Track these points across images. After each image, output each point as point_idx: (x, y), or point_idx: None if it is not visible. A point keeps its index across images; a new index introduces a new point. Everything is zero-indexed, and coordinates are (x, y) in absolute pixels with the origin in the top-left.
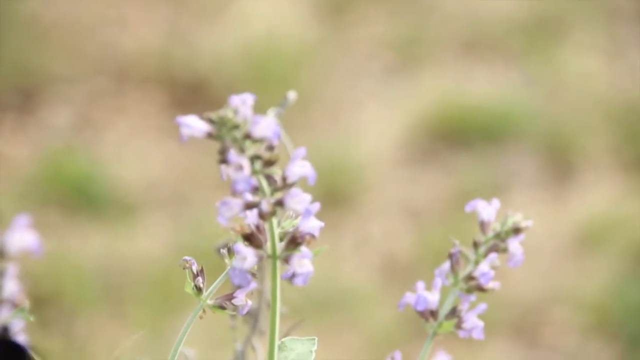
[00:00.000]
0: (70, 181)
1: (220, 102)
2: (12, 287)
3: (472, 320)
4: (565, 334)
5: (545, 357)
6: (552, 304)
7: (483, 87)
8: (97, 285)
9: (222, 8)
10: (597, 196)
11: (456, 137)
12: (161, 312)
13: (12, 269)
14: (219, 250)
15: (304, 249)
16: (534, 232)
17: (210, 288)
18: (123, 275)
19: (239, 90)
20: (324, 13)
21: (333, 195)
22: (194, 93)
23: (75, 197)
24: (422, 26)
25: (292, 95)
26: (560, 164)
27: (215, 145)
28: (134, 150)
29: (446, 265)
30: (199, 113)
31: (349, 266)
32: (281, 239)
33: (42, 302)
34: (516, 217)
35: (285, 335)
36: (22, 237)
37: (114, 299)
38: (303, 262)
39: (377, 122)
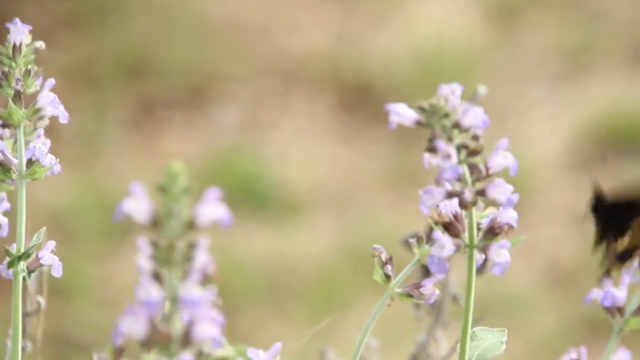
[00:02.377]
0: (237, 179)
1: (381, 105)
2: (203, 258)
3: None
4: None
5: None
6: None
7: None
8: (261, 283)
9: (392, 11)
10: None
11: (624, 144)
12: (324, 312)
13: (203, 241)
14: (406, 240)
15: (502, 242)
16: None
17: (399, 276)
18: (287, 273)
19: (406, 94)
20: (493, 17)
21: None
22: (361, 95)
23: (241, 195)
24: (591, 32)
25: (482, 89)
26: None
27: (381, 148)
28: (300, 151)
29: (635, 262)
30: (365, 116)
31: (513, 270)
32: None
33: None
34: None
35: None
36: (213, 209)
37: (277, 297)
38: (501, 252)
39: (544, 128)
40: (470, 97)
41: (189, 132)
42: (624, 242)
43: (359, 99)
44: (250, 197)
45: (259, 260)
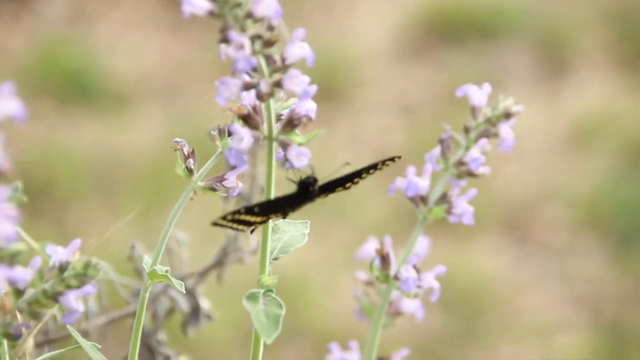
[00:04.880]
0: (64, 72)
1: None
2: None
3: (462, 206)
4: (556, 230)
5: (536, 252)
6: (544, 200)
7: None
8: (90, 176)
9: None
10: (591, 93)
11: (450, 33)
12: (153, 203)
13: None
14: (210, 133)
15: (303, 148)
16: (527, 129)
17: (202, 170)
18: (115, 166)
19: None
20: None
21: (326, 90)
22: None
23: (68, 88)
24: None
25: None
26: (554, 60)
27: (210, 38)
28: (128, 42)
29: (437, 150)
30: None
31: (341, 160)
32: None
33: (34, 192)
34: (507, 102)
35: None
36: (6, 104)
37: (106, 190)
38: (301, 158)
39: (371, 18)
40: None
41: (14, 25)
42: None
43: None
44: (78, 89)
45: (87, 153)
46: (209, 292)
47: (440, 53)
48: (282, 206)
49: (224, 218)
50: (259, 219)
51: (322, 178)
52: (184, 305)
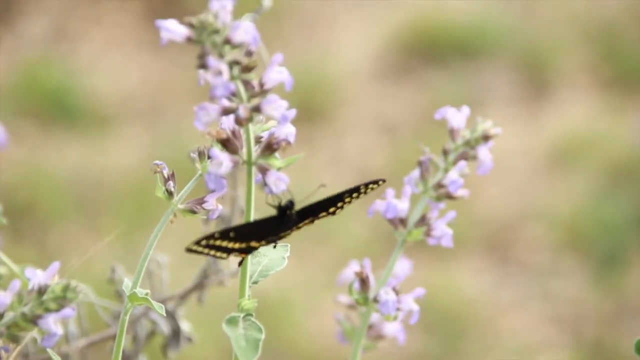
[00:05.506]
0: (46, 92)
1: (196, 14)
2: None
3: (441, 228)
4: (537, 251)
5: (517, 273)
6: (526, 221)
7: (459, 3)
8: (72, 197)
9: None
10: (573, 114)
11: (432, 53)
12: (136, 224)
13: None
14: (190, 155)
15: (281, 173)
16: (508, 149)
17: (181, 192)
18: (97, 186)
19: None
20: None
21: (308, 110)
22: (170, 4)
23: (50, 109)
24: None
25: (267, 2)
26: (535, 80)
27: (192, 58)
28: (110, 62)
29: (416, 173)
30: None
31: (324, 179)
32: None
33: (16, 214)
34: (486, 124)
35: None
36: None
37: (88, 211)
38: (279, 183)
39: (353, 38)
40: (256, 9)
41: None
42: None
43: (167, 8)
44: (60, 110)
45: (69, 174)
46: (189, 314)
47: (422, 73)
48: (261, 231)
49: (198, 243)
50: (236, 245)
51: (300, 201)
52: (165, 327)
